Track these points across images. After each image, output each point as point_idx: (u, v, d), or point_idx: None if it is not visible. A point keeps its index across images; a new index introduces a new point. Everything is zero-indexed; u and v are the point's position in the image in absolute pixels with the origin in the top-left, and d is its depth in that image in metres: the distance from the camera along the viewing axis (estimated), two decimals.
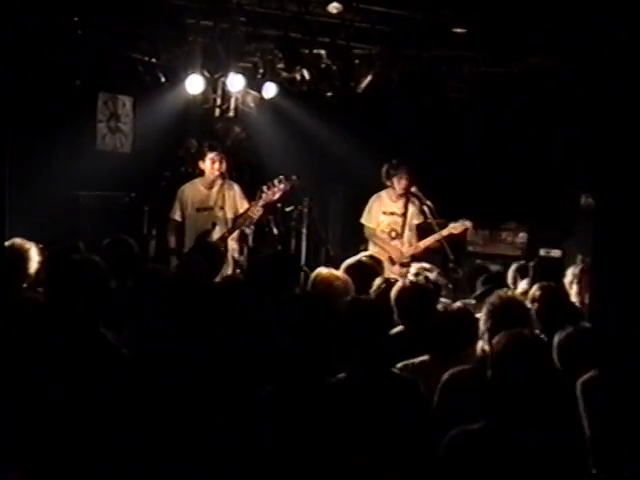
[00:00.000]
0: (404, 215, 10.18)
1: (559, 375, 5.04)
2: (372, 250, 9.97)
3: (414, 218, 10.19)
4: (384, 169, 10.23)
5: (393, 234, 10.19)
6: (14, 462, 4.24)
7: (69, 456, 4.30)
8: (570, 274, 7.70)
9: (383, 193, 10.32)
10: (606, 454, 4.51)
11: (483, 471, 3.95)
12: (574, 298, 7.37)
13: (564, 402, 4.70)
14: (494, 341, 4.32)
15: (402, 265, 9.91)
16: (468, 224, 10.06)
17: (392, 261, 10.00)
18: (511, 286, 7.94)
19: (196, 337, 5.02)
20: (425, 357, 5.54)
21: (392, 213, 10.27)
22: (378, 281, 6.81)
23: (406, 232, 10.17)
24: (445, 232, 9.91)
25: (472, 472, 3.96)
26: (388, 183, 10.20)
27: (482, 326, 5.25)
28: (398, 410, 4.67)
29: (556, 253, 10.56)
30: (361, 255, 7.84)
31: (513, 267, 8.54)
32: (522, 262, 8.72)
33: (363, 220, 10.34)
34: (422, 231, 10.17)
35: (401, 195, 10.14)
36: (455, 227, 9.98)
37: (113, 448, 4.20)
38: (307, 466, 4.35)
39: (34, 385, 4.45)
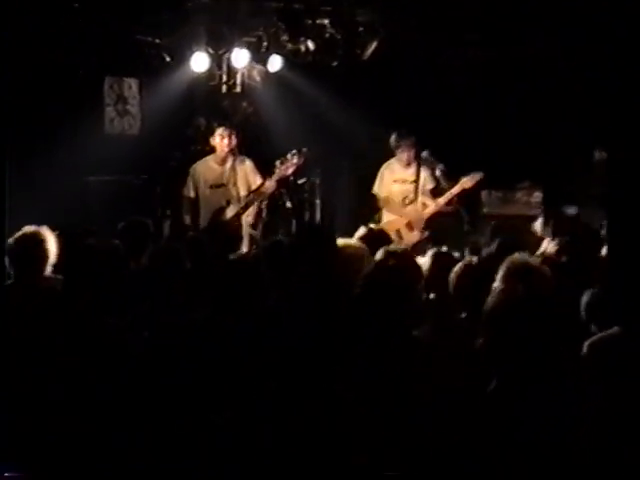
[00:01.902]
0: (416, 182, 10.09)
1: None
2: (387, 219, 9.94)
3: (427, 184, 10.11)
4: (392, 138, 10.11)
5: (407, 201, 10.11)
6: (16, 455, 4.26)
7: (69, 450, 4.30)
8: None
9: (393, 161, 10.21)
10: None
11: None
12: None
13: None
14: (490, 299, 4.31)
15: (421, 230, 9.85)
16: (479, 175, 9.92)
17: (410, 227, 9.92)
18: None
19: (203, 328, 5.00)
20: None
21: (404, 181, 10.17)
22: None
23: (419, 198, 10.09)
24: (458, 188, 9.80)
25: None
26: (398, 151, 10.11)
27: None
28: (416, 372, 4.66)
29: (572, 210, 10.56)
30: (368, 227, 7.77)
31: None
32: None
33: (375, 190, 10.25)
34: (436, 196, 10.07)
35: (411, 162, 10.06)
36: (466, 181, 9.85)
37: (112, 446, 4.20)
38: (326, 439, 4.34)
39: (34, 380, 4.46)
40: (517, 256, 5.48)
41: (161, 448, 4.14)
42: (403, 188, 10.15)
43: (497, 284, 5.14)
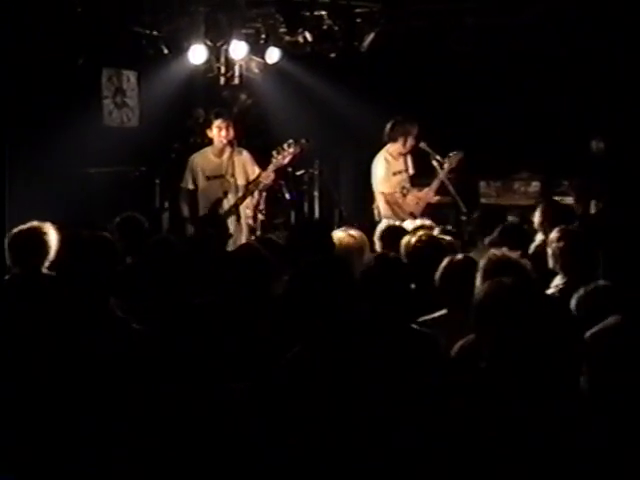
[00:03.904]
0: (407, 171, 10.10)
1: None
2: (387, 212, 9.84)
3: (411, 170, 10.12)
4: (389, 126, 9.97)
5: (405, 191, 10.08)
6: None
7: (76, 429, 4.33)
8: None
9: (385, 155, 10.03)
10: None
11: None
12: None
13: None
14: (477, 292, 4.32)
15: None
16: (460, 154, 9.90)
17: (414, 216, 9.84)
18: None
19: (208, 309, 5.04)
20: (443, 311, 5.54)
21: (400, 171, 10.09)
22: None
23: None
24: (446, 168, 9.80)
25: None
26: (398, 140, 10.01)
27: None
28: (417, 365, 4.67)
29: (569, 200, 10.58)
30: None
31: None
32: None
33: (384, 189, 9.97)
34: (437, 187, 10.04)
35: (403, 152, 10.03)
36: (450, 162, 9.85)
37: (125, 422, 4.23)
38: (327, 424, 4.35)
39: (42, 365, 4.49)
40: (495, 251, 5.51)
41: (175, 420, 4.17)
42: (400, 179, 10.07)
43: (478, 280, 5.17)
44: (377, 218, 9.67)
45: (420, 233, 6.67)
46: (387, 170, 9.99)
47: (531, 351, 3.95)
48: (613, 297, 4.99)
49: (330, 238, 6.48)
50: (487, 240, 7.40)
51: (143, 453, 4.16)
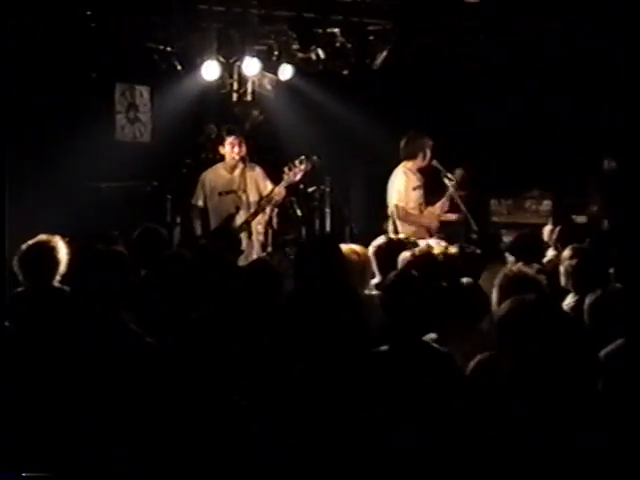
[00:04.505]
0: (423, 187, 10.03)
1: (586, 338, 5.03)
2: (405, 229, 9.70)
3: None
4: (404, 142, 9.91)
5: (422, 207, 10.00)
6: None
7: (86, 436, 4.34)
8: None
9: (404, 170, 9.91)
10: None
11: None
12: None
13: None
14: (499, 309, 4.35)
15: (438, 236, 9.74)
16: (461, 170, 9.84)
17: (430, 233, 9.77)
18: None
19: (220, 323, 5.04)
20: (432, 335, 5.41)
21: (418, 186, 9.96)
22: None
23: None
24: (452, 187, 9.75)
25: None
26: (417, 156, 9.84)
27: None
28: (435, 381, 4.67)
29: (581, 219, 10.58)
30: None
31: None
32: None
33: (401, 202, 9.80)
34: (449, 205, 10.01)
35: (422, 167, 9.96)
36: (454, 179, 9.80)
37: (135, 431, 4.23)
38: (341, 437, 4.34)
39: (52, 376, 4.50)
40: (512, 267, 5.52)
41: (183, 432, 4.17)
42: (419, 194, 9.95)
43: (494, 295, 5.18)
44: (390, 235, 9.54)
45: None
46: (407, 184, 9.86)
47: (551, 366, 3.98)
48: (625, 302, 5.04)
49: (336, 254, 6.44)
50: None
51: (143, 453, 4.16)
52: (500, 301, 5.13)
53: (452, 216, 10.02)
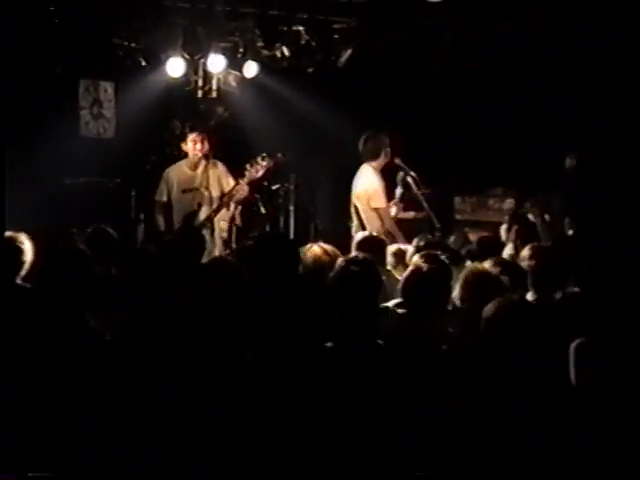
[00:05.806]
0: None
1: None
2: (380, 228, 9.58)
3: None
4: (363, 142, 9.68)
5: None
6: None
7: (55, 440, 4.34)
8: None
9: (372, 170, 9.66)
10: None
11: None
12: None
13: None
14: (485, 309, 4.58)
15: None
16: (409, 178, 9.68)
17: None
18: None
19: (179, 320, 5.05)
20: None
21: (384, 186, 9.89)
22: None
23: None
24: (414, 185, 9.59)
25: None
26: (379, 155, 9.62)
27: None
28: (385, 381, 4.71)
29: (534, 216, 10.62)
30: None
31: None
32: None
33: (379, 204, 9.56)
34: (408, 202, 9.99)
35: (383, 166, 9.86)
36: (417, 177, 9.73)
37: (99, 432, 4.24)
38: (327, 424, 4.38)
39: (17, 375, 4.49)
40: (476, 265, 5.60)
41: (145, 433, 4.18)
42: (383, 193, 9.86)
43: (456, 294, 5.26)
44: (354, 233, 9.37)
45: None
46: (380, 183, 9.65)
47: (537, 357, 4.30)
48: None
49: (294, 251, 6.46)
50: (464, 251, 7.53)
51: (143, 453, 4.18)
52: (463, 297, 5.32)
53: (409, 214, 9.99)
